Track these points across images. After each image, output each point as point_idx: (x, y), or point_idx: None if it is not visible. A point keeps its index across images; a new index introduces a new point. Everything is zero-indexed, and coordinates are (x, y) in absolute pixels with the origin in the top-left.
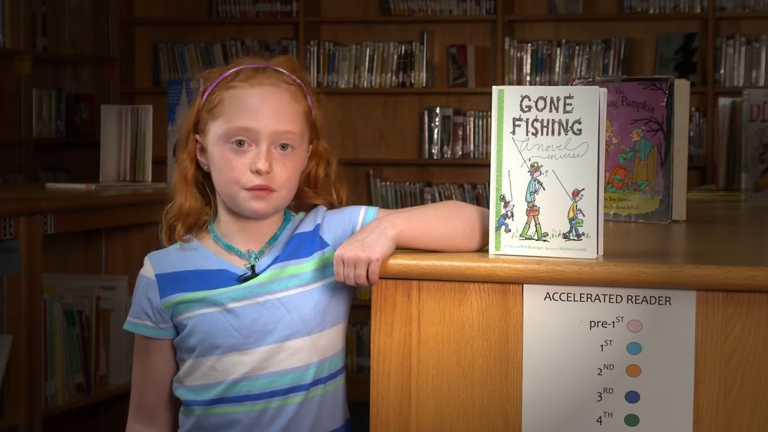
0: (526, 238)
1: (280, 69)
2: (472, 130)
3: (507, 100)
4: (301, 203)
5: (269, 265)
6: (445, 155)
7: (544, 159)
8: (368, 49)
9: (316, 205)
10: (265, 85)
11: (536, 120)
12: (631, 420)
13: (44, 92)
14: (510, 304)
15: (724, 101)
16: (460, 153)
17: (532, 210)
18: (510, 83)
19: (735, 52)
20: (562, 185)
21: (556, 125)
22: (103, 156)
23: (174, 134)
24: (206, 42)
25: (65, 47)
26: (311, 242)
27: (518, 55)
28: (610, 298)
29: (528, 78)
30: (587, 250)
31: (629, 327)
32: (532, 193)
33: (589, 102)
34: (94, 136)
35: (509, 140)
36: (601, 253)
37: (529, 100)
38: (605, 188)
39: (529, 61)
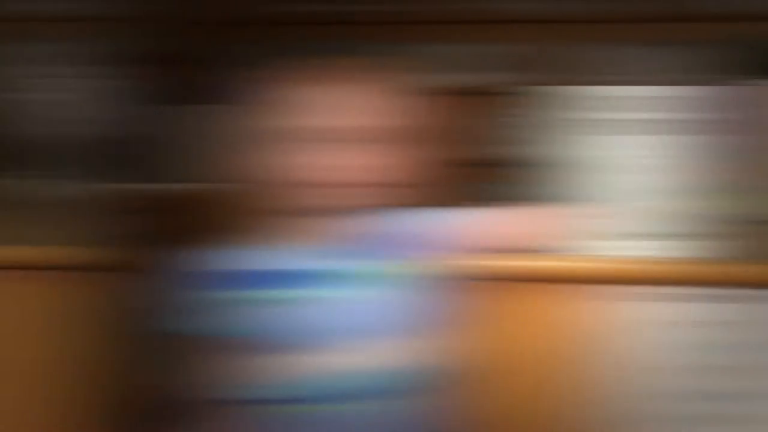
0: (624, 238)
1: (362, 66)
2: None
3: (610, 101)
4: (380, 201)
5: (344, 265)
6: None
7: (649, 158)
8: None
9: (394, 205)
10: (343, 81)
11: (641, 119)
12: (731, 419)
13: None
14: (593, 306)
15: None
16: None
17: (634, 209)
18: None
19: None
20: (668, 184)
21: (664, 125)
22: None
23: None
24: None
25: None
26: (389, 244)
27: None
28: (703, 298)
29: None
30: (689, 249)
31: (723, 326)
32: (635, 192)
33: (707, 102)
34: None
35: (615, 139)
36: (704, 254)
37: (635, 100)
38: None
39: None
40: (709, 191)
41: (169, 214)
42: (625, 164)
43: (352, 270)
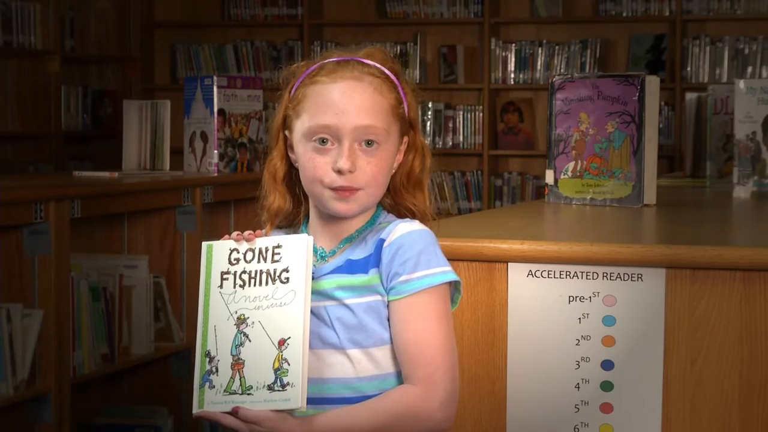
0: (230, 393)
1: (365, 60)
2: (461, 122)
3: (215, 255)
4: (397, 204)
5: (330, 271)
6: (437, 146)
7: (251, 311)
8: None
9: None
10: (346, 79)
11: (244, 272)
12: (606, 386)
13: (72, 89)
14: (496, 281)
15: (690, 96)
16: (451, 143)
17: (237, 363)
18: (496, 81)
19: (700, 51)
20: (268, 336)
21: (264, 275)
22: (125, 146)
23: (189, 127)
24: (219, 43)
25: (91, 48)
26: (373, 258)
27: (503, 54)
28: (587, 275)
29: (512, 75)
30: (291, 400)
31: (605, 301)
32: (237, 346)
33: (296, 250)
34: (117, 129)
35: (216, 294)
36: (304, 402)
37: (238, 252)
38: (583, 176)
39: (513, 59)
40: None
41: None
42: None
43: (337, 277)
